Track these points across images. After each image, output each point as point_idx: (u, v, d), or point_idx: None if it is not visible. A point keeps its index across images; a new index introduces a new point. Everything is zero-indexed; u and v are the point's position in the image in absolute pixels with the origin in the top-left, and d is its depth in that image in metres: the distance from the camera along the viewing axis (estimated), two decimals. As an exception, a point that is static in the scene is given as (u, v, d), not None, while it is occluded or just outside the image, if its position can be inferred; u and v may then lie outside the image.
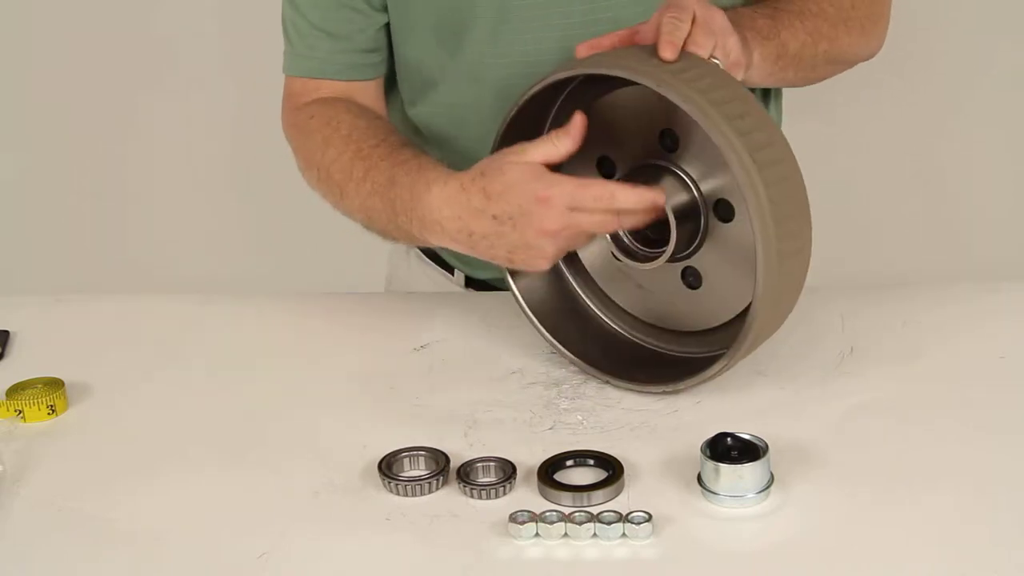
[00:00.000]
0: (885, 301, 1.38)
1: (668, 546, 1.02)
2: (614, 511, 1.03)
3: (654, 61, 1.15)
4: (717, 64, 1.19)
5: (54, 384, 1.27)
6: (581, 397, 1.24)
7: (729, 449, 1.07)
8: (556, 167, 1.19)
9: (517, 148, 1.19)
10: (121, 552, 1.05)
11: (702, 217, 1.19)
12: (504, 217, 1.18)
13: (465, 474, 1.10)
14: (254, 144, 2.17)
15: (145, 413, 1.26)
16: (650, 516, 1.03)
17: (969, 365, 1.26)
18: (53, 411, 1.25)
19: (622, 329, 1.32)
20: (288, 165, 1.44)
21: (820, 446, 1.13)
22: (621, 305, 1.31)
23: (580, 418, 1.20)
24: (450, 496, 1.09)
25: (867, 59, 1.47)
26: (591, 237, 1.22)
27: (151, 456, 1.18)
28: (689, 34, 1.18)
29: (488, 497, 1.08)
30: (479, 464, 1.11)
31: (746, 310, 1.15)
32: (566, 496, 1.07)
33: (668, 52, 1.15)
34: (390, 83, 1.48)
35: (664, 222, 1.18)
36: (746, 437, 1.08)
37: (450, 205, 1.21)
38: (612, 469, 1.10)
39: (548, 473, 1.10)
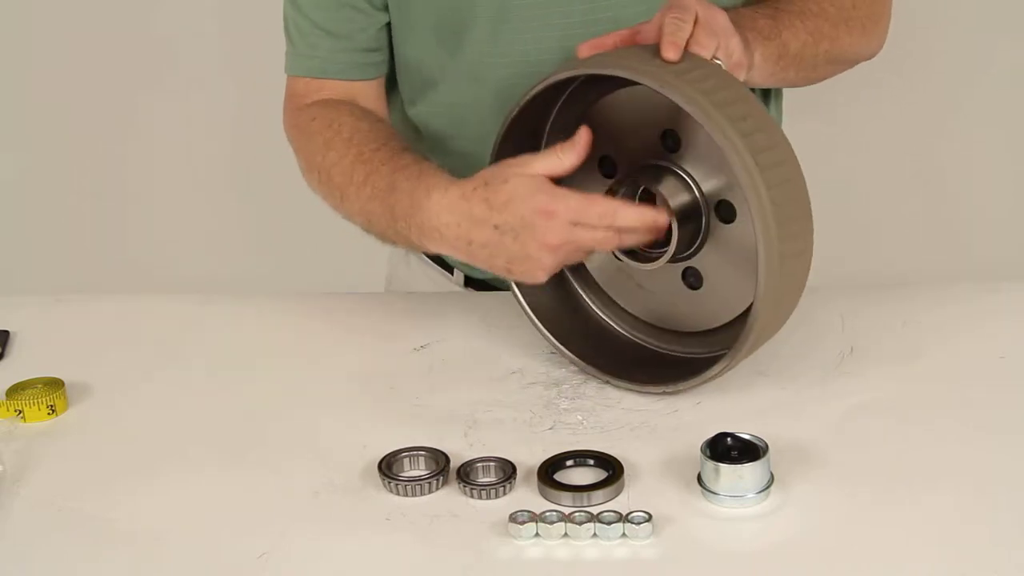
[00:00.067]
0: (885, 301, 1.38)
1: (668, 546, 1.02)
2: (614, 511, 1.03)
3: (657, 61, 1.15)
4: (719, 65, 1.19)
5: (54, 384, 1.27)
6: (581, 397, 1.24)
7: (729, 449, 1.07)
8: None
9: (521, 159, 1.19)
10: (121, 552, 1.05)
11: (703, 218, 1.19)
12: (506, 228, 1.18)
13: (465, 474, 1.10)
14: (254, 144, 2.17)
15: (145, 413, 1.26)
16: (650, 516, 1.03)
17: (969, 365, 1.26)
18: (53, 411, 1.25)
19: (623, 329, 1.32)
20: (288, 165, 1.44)
21: (820, 446, 1.13)
22: (622, 305, 1.31)
23: (580, 418, 1.20)
24: (450, 496, 1.09)
25: (868, 59, 1.47)
26: (590, 253, 1.23)
27: (151, 456, 1.18)
28: (691, 35, 1.18)
29: (488, 497, 1.08)
30: (479, 464, 1.11)
31: (747, 311, 1.15)
32: (566, 496, 1.07)
33: (671, 53, 1.15)
34: (390, 83, 1.48)
35: (666, 223, 1.18)
36: (746, 437, 1.08)
37: (450, 212, 1.21)
38: (612, 469, 1.10)
39: (548, 473, 1.10)
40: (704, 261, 1.22)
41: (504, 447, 1.14)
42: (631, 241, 1.18)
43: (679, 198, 1.19)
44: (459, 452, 1.14)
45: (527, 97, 1.20)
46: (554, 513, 1.04)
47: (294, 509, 1.09)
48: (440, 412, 1.22)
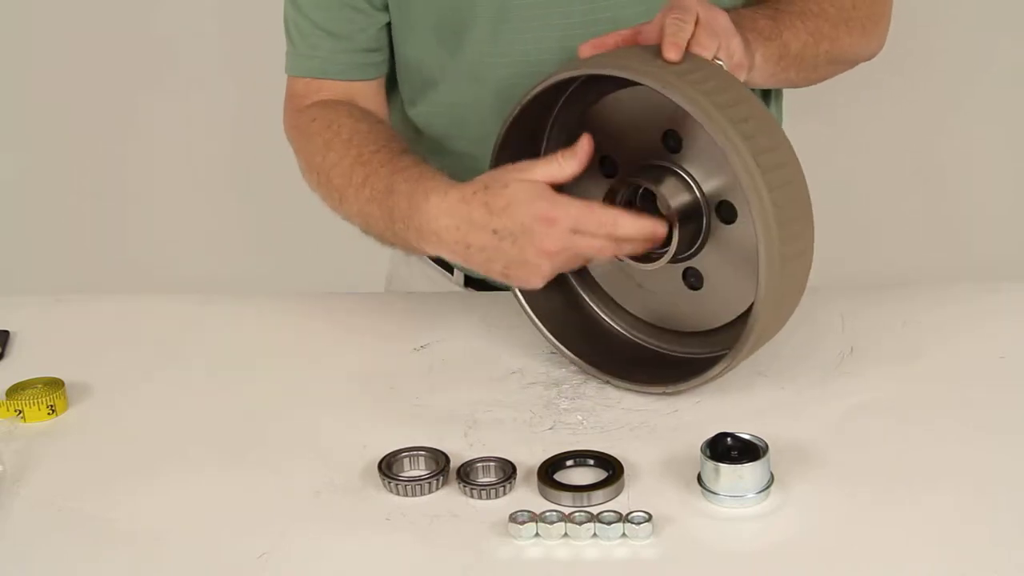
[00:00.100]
0: (885, 301, 1.38)
1: (668, 546, 1.02)
2: (614, 511, 1.03)
3: (658, 62, 1.15)
4: (721, 66, 1.19)
5: (54, 384, 1.27)
6: (581, 397, 1.24)
7: (729, 449, 1.07)
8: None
9: (522, 165, 1.19)
10: (121, 552, 1.05)
11: (704, 218, 1.19)
12: (505, 233, 1.18)
13: (465, 474, 1.10)
14: (254, 144, 2.17)
15: (145, 413, 1.26)
16: (650, 516, 1.03)
17: (969, 365, 1.26)
18: (53, 411, 1.25)
19: (623, 329, 1.32)
20: (288, 165, 1.44)
21: (820, 446, 1.13)
22: (622, 305, 1.31)
23: (580, 418, 1.20)
24: (450, 496, 1.09)
25: (868, 59, 1.47)
26: (587, 260, 1.23)
27: (151, 456, 1.18)
28: (693, 35, 1.17)
29: (488, 497, 1.08)
30: (479, 464, 1.11)
31: (747, 311, 1.15)
32: (566, 496, 1.07)
33: (672, 53, 1.15)
34: (390, 83, 1.48)
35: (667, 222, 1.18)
36: (746, 437, 1.08)
37: (449, 216, 1.21)
38: (612, 469, 1.10)
39: (548, 473, 1.10)
40: (705, 261, 1.22)
41: (504, 447, 1.14)
42: (629, 249, 1.19)
43: (680, 198, 1.19)
44: (459, 452, 1.14)
45: (528, 97, 1.20)
46: (554, 513, 1.04)
47: (294, 509, 1.09)
48: (440, 412, 1.22)
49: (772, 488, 1.06)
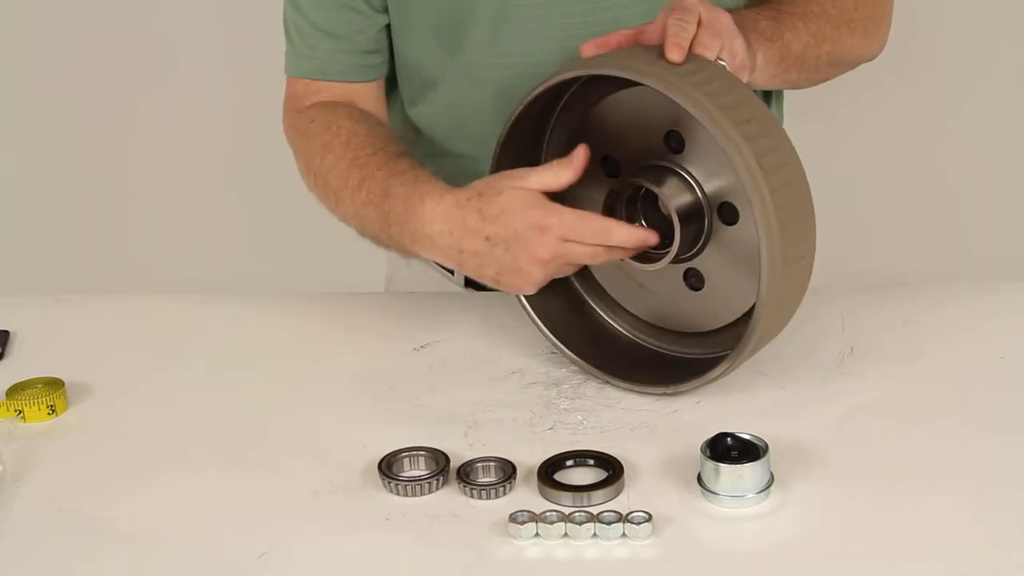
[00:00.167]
0: (885, 301, 1.38)
1: (668, 546, 1.02)
2: (614, 511, 1.03)
3: (661, 63, 1.15)
4: (724, 66, 1.19)
5: (54, 384, 1.27)
6: (581, 397, 1.24)
7: (729, 449, 1.07)
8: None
9: (517, 172, 1.19)
10: (121, 552, 1.05)
11: (706, 219, 1.19)
12: (497, 239, 1.18)
13: (465, 474, 1.10)
14: (254, 144, 2.17)
15: (145, 413, 1.26)
16: (650, 516, 1.03)
17: (969, 365, 1.26)
18: (53, 411, 1.25)
19: (624, 329, 1.31)
20: (288, 165, 1.44)
21: (820, 446, 1.13)
22: (623, 305, 1.31)
23: (580, 418, 1.20)
24: (450, 496, 1.09)
25: (869, 60, 1.47)
26: (580, 267, 1.23)
27: (151, 456, 1.18)
28: (695, 36, 1.17)
29: (488, 497, 1.08)
30: (479, 464, 1.11)
31: (748, 312, 1.15)
32: (566, 496, 1.07)
33: (675, 54, 1.15)
34: (390, 84, 1.48)
35: (668, 223, 1.18)
36: (746, 437, 1.08)
37: (443, 220, 1.21)
38: (612, 469, 1.09)
39: (548, 473, 1.10)
40: (706, 262, 1.22)
41: (504, 447, 1.14)
42: (619, 256, 1.19)
43: (682, 199, 1.19)
44: (459, 452, 1.14)
45: (530, 97, 1.20)
46: (554, 513, 1.04)
47: (294, 509, 1.09)
48: (440, 412, 1.22)
49: (772, 488, 1.06)
